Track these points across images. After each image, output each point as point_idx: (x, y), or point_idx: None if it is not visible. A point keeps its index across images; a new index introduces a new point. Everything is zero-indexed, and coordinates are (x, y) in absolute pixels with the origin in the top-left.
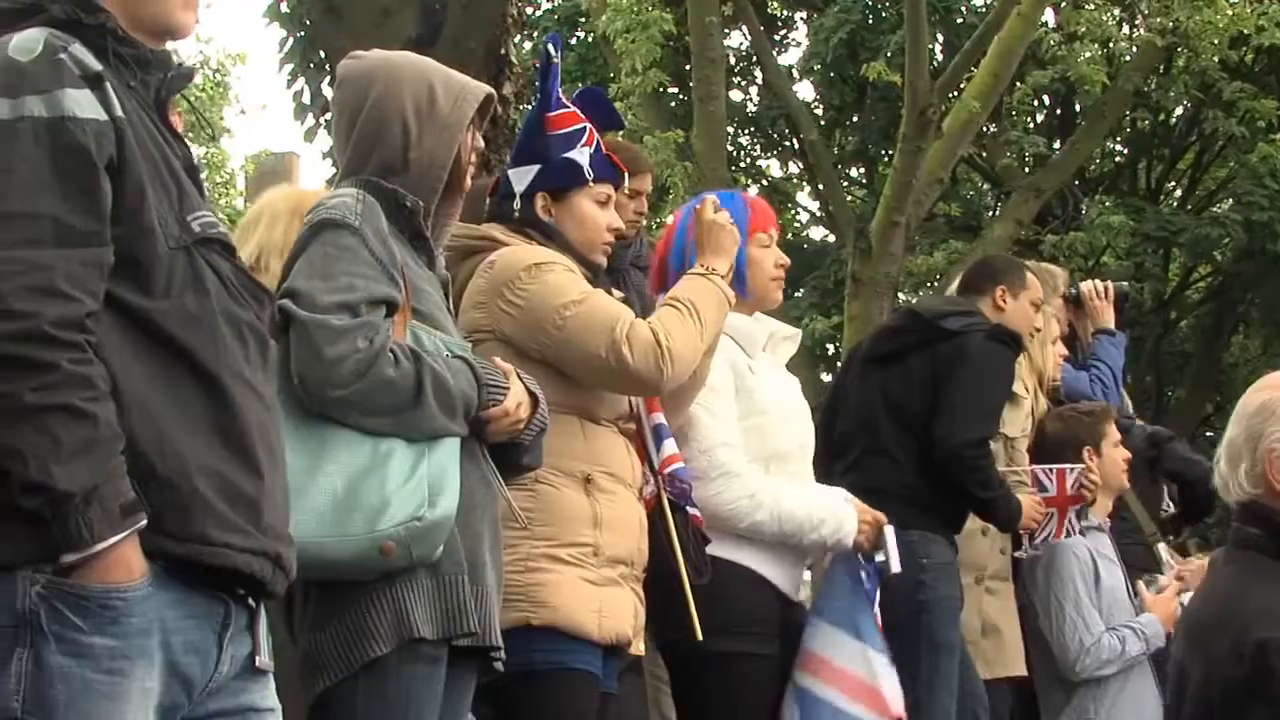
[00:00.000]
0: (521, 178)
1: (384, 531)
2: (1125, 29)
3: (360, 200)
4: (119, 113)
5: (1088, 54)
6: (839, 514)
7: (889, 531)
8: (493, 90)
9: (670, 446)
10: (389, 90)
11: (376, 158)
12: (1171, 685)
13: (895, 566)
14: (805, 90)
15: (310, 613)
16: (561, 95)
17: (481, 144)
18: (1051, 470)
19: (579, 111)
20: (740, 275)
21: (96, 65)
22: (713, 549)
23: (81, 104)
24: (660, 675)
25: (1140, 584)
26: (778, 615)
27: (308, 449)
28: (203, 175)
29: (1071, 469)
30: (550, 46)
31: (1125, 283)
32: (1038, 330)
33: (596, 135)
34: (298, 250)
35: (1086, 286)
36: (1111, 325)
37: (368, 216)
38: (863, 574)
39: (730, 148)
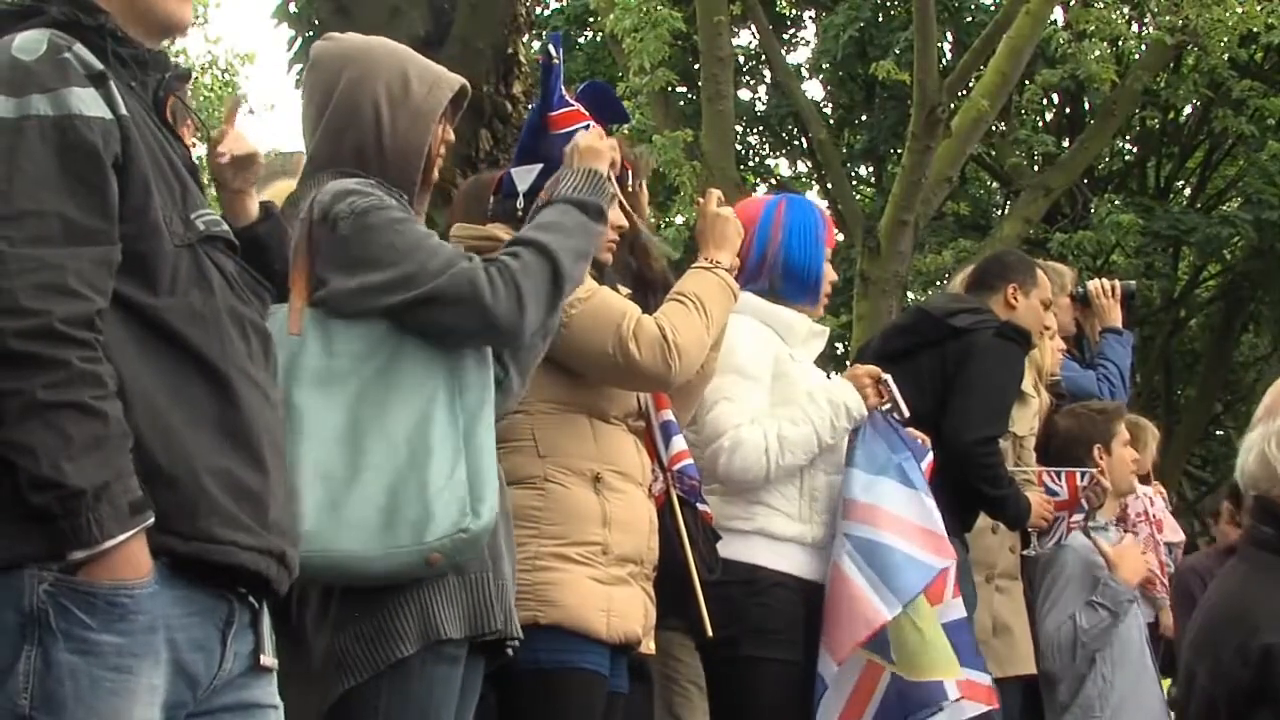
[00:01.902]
0: (524, 177)
1: (431, 544)
2: (1134, 27)
3: (370, 183)
4: (123, 111)
5: (1097, 52)
6: (840, 398)
7: (890, 381)
8: (467, 83)
9: (679, 443)
10: (363, 75)
11: (350, 143)
12: (1180, 684)
13: (905, 411)
14: (814, 89)
15: (333, 612)
16: (565, 93)
17: (452, 137)
18: (1060, 473)
19: (582, 109)
20: (815, 285)
21: (99, 65)
22: (751, 555)
23: (87, 102)
24: (672, 676)
25: (1099, 538)
26: (805, 619)
27: (343, 454)
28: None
29: (1083, 473)
30: (551, 46)
31: (1132, 281)
32: (1047, 329)
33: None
34: (343, 248)
35: (1094, 285)
36: (1119, 324)
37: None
38: (887, 422)
39: (739, 147)
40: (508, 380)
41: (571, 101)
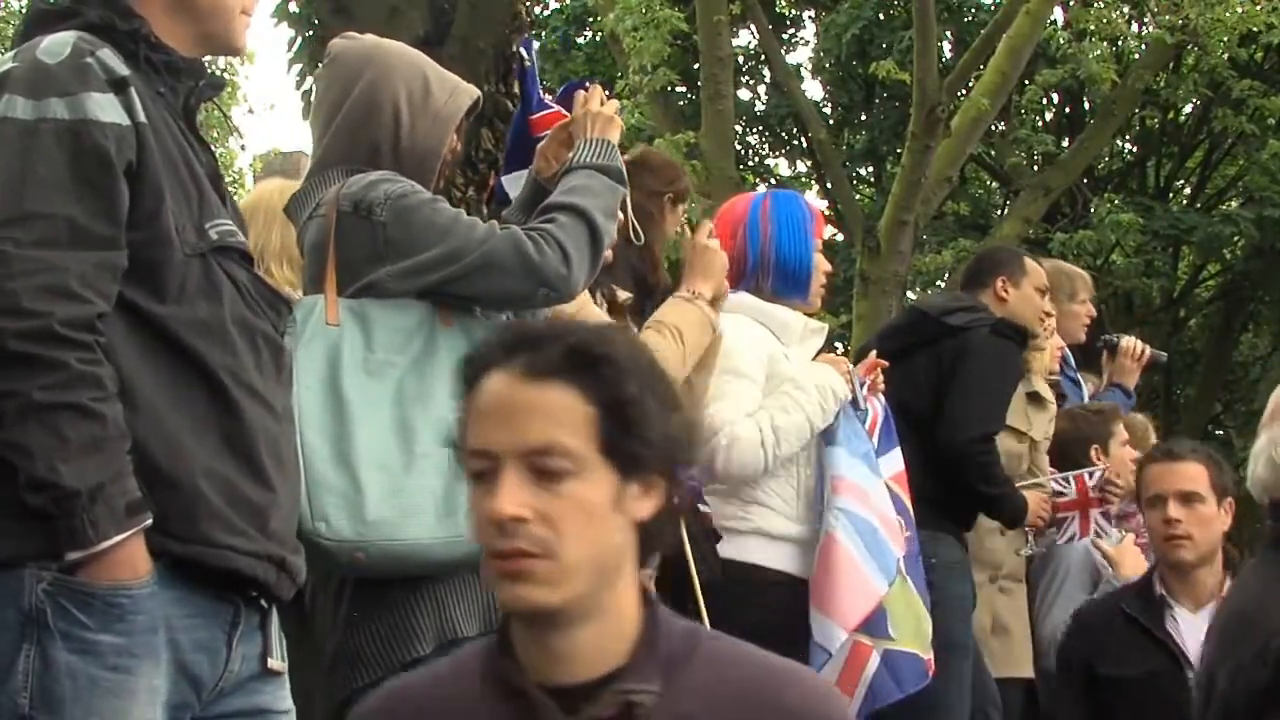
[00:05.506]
0: (514, 183)
1: None
2: (1134, 27)
3: (393, 174)
4: (142, 118)
5: (1097, 52)
6: (824, 381)
7: (853, 370)
8: (480, 93)
9: None
10: (384, 75)
11: (366, 142)
12: (1200, 686)
13: (861, 404)
14: (814, 89)
15: (344, 610)
16: (544, 95)
17: (459, 146)
18: (1069, 478)
19: (562, 110)
20: (805, 280)
21: (123, 70)
22: (750, 555)
23: (104, 108)
24: None
25: (1099, 540)
26: (804, 618)
27: (397, 443)
28: None
29: (1090, 472)
30: (523, 50)
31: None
32: (1048, 314)
33: None
34: (383, 233)
35: (1127, 343)
36: (1131, 386)
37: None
38: (853, 412)
39: (739, 147)
40: None
41: (551, 103)
